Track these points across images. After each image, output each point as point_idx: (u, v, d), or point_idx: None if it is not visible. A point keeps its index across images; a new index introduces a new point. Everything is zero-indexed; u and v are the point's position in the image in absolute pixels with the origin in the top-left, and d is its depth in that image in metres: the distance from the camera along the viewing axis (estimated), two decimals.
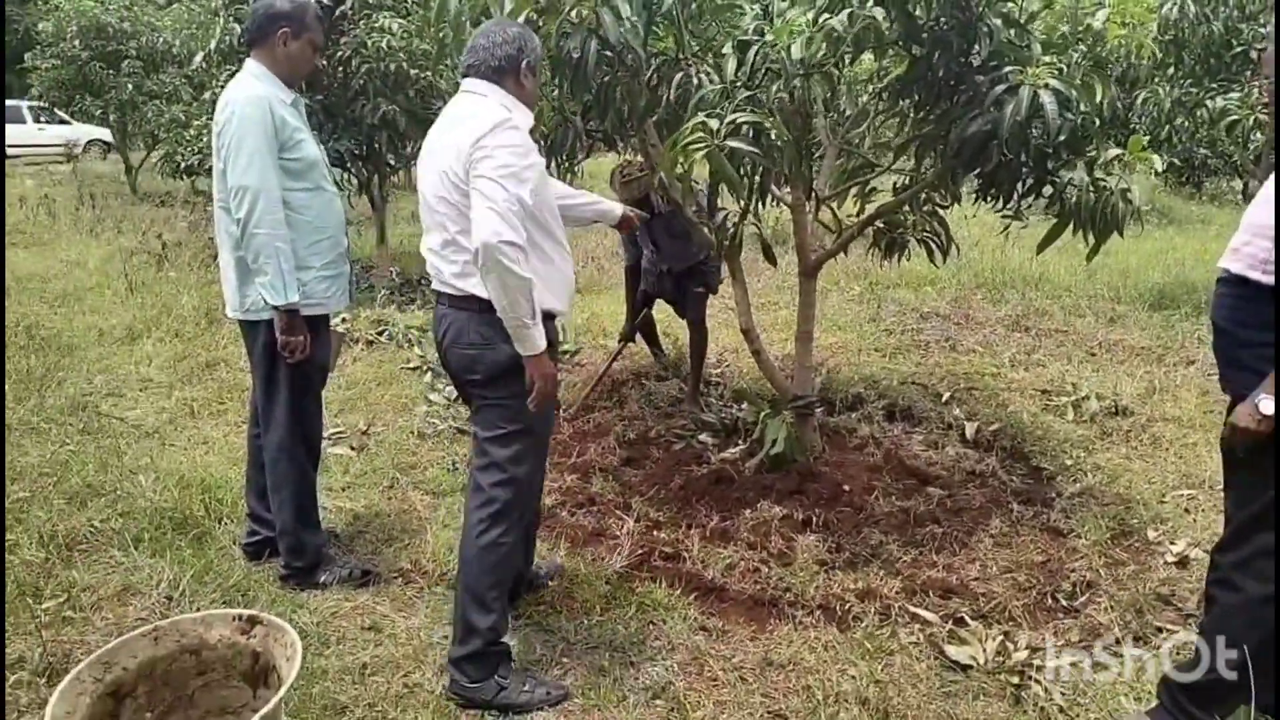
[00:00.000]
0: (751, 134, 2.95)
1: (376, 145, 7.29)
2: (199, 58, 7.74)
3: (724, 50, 3.20)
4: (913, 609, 3.08)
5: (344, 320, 6.49)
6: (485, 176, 2.35)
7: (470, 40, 2.63)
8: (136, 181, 14.89)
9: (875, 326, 6.87)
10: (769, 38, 2.98)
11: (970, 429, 4.72)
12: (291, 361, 3.02)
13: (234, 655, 2.28)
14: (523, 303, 2.37)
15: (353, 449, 4.45)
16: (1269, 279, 2.17)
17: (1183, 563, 3.42)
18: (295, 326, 2.98)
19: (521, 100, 2.60)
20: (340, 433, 4.62)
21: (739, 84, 3.12)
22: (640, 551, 3.47)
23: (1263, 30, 6.61)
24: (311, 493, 3.28)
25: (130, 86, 13.58)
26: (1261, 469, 2.27)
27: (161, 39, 13.31)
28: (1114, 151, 3.39)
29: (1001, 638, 2.86)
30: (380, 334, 6.32)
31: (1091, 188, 3.36)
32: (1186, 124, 7.36)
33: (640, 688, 2.66)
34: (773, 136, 2.96)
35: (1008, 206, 3.69)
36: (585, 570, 3.31)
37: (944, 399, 5.17)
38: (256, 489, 3.36)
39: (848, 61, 3.33)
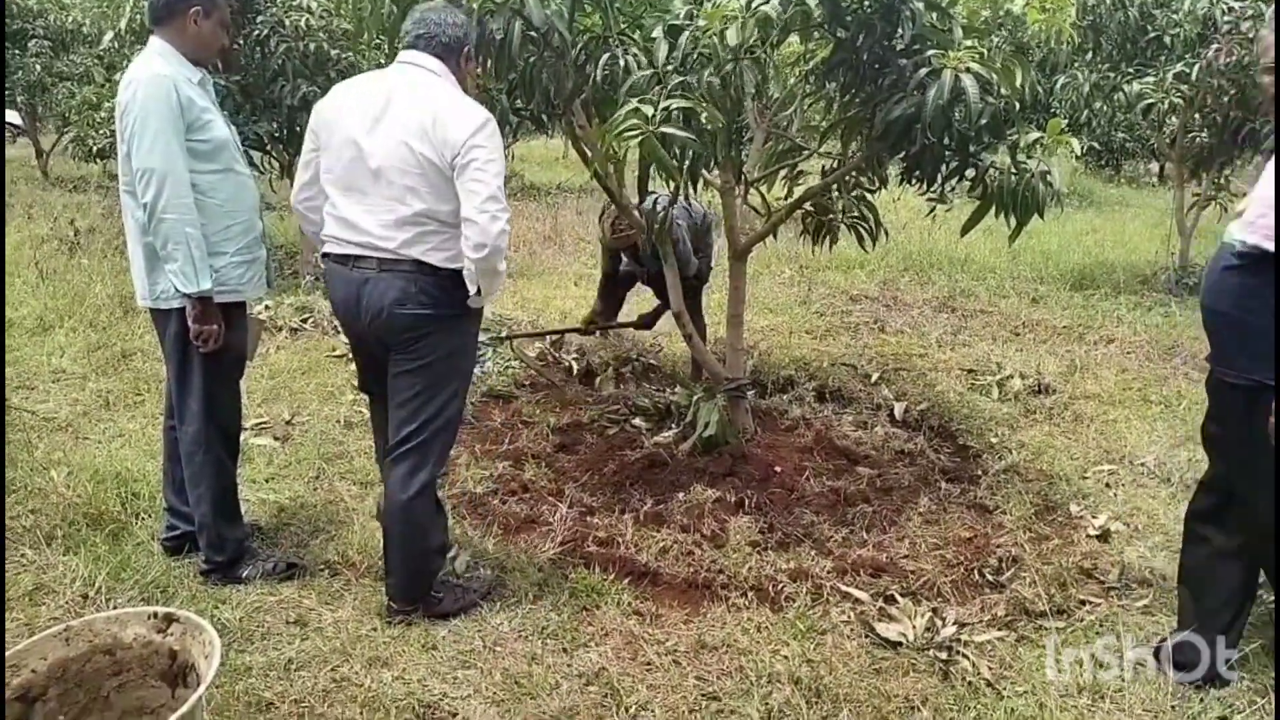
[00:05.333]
0: (683, 119, 2.93)
1: (297, 128, 7.09)
2: (109, 37, 7.45)
3: (653, 34, 3.16)
4: (844, 588, 3.12)
5: (266, 308, 6.32)
6: (481, 181, 2.54)
7: (418, 13, 2.73)
8: (48, 166, 14.30)
9: (806, 309, 6.93)
10: (701, 22, 2.96)
11: (899, 409, 4.79)
12: (205, 351, 2.92)
13: (150, 654, 2.20)
14: (499, 288, 2.82)
15: (276, 439, 4.34)
16: None
17: (1104, 536, 3.51)
18: (208, 315, 2.87)
19: (460, 83, 2.73)
20: (264, 423, 4.49)
21: (670, 69, 3.09)
22: (573, 538, 3.44)
23: (1175, 16, 6.80)
24: (231, 485, 3.18)
25: (39, 67, 12.99)
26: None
27: (71, 18, 12.75)
28: (1034, 135, 3.45)
29: (930, 614, 2.91)
30: (305, 321, 6.16)
31: (1013, 171, 3.42)
32: (1104, 108, 7.55)
33: (574, 674, 2.65)
34: (704, 121, 2.94)
35: (931, 189, 3.73)
36: (518, 558, 3.27)
37: (873, 380, 5.24)
38: (174, 482, 3.25)
39: (775, 45, 3.32)
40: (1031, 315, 6.87)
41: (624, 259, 5.10)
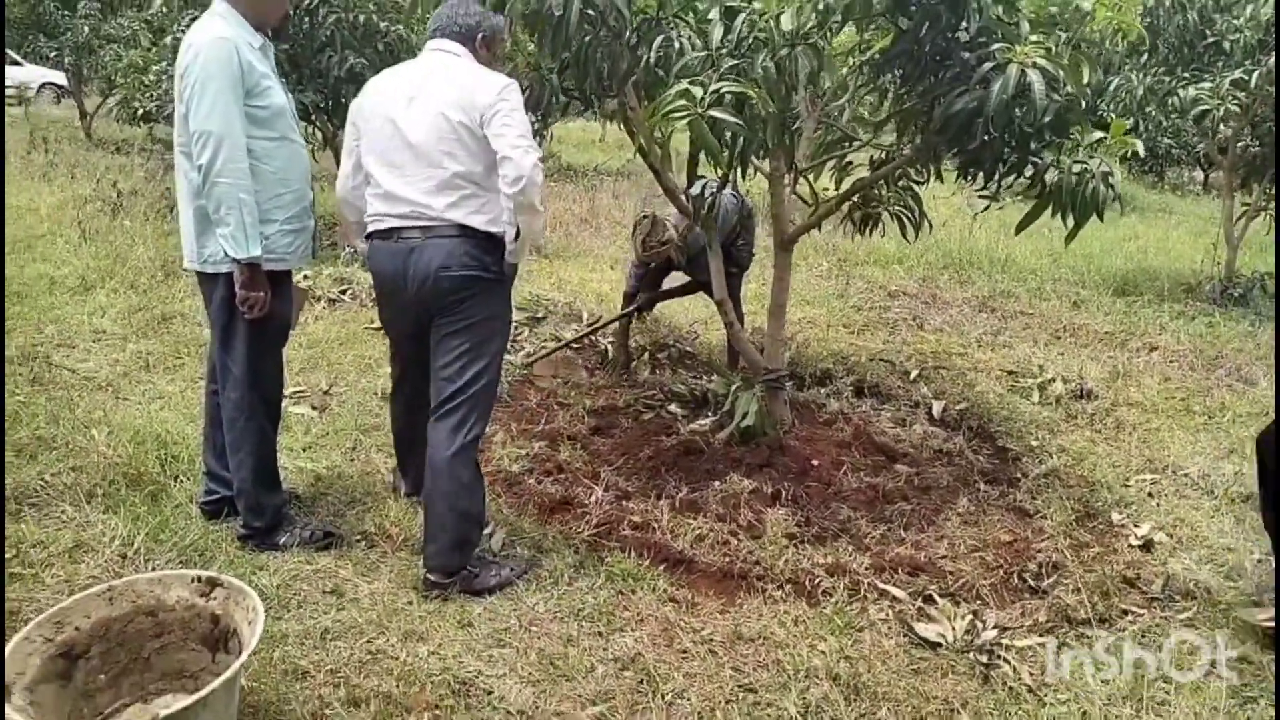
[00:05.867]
0: (735, 104, 2.88)
1: (343, 99, 7.09)
2: (159, 1, 7.48)
3: (709, 15, 3.11)
4: (882, 585, 3.08)
5: (306, 277, 6.34)
6: (510, 126, 2.73)
7: (437, 10, 3.02)
8: (91, 127, 14.42)
9: (843, 303, 6.87)
10: (757, 5, 2.91)
11: (937, 407, 4.74)
12: (250, 317, 2.92)
13: (193, 618, 2.21)
14: (541, 227, 2.92)
15: (314, 409, 4.35)
16: None
17: (1147, 546, 3.45)
18: (256, 281, 2.87)
19: (485, 64, 2.96)
20: (301, 392, 4.51)
21: (724, 51, 3.05)
22: (609, 521, 3.43)
23: (1235, 22, 6.65)
24: (271, 452, 3.19)
25: (86, 29, 13.11)
26: None
27: None
28: (1096, 135, 3.38)
29: (970, 616, 2.87)
30: (343, 293, 6.18)
31: (1073, 170, 3.35)
32: (1156, 113, 7.41)
33: (609, 658, 2.63)
34: (756, 107, 2.89)
35: (987, 186, 3.67)
36: (553, 538, 3.26)
37: (912, 377, 5.18)
38: (214, 447, 3.26)
39: (833, 33, 3.27)
40: (1073, 319, 6.77)
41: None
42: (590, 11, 3.12)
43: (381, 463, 3.79)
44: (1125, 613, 3.03)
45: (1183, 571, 3.23)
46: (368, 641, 2.67)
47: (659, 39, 3.40)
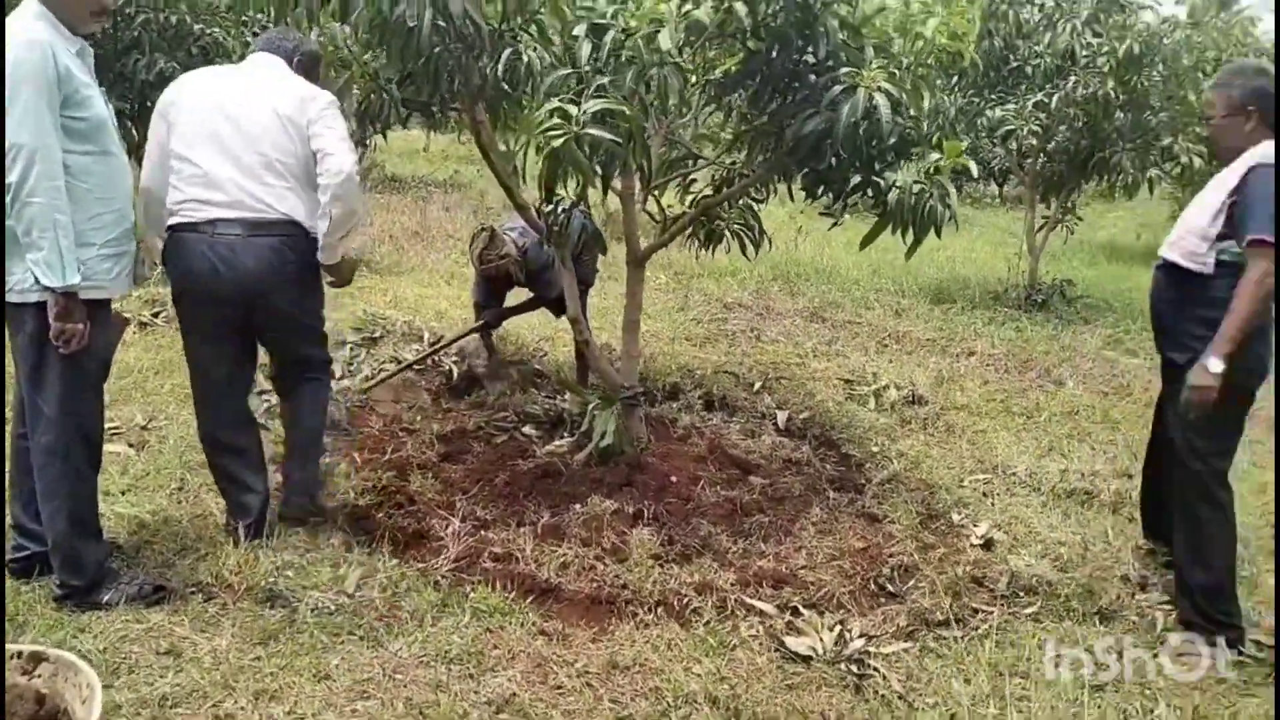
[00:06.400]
0: (605, 121, 2.84)
1: (148, 105, 6.56)
2: None
3: (574, 32, 3.05)
4: (749, 600, 3.10)
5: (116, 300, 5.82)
6: (334, 129, 2.96)
7: (262, 36, 3.29)
8: None
9: (684, 316, 6.96)
10: (632, 23, 2.87)
11: (782, 418, 4.85)
12: (66, 352, 2.62)
13: (13, 700, 1.94)
14: (354, 228, 3.13)
15: (131, 446, 3.98)
16: (1197, 266, 2.96)
17: (988, 545, 3.63)
18: (73, 312, 2.58)
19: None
20: (115, 428, 4.10)
21: (588, 70, 2.99)
22: (469, 554, 3.29)
23: (1036, 48, 7.19)
24: (91, 499, 2.87)
25: None
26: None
27: None
28: (934, 156, 3.54)
29: (838, 627, 2.92)
30: (156, 315, 5.71)
31: (913, 190, 3.49)
32: (964, 132, 7.90)
33: (482, 701, 2.51)
34: (629, 124, 2.86)
35: (834, 205, 3.78)
36: (411, 576, 3.09)
37: (755, 388, 5.28)
38: (22, 497, 2.91)
39: (695, 52, 3.28)
40: (897, 327, 7.11)
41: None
42: (442, 23, 3.00)
43: (213, 503, 3.49)
44: (976, 611, 3.16)
45: (1024, 568, 3.41)
46: (214, 706, 2.43)
47: (506, 52, 3.31)
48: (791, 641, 2.84)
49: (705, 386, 5.13)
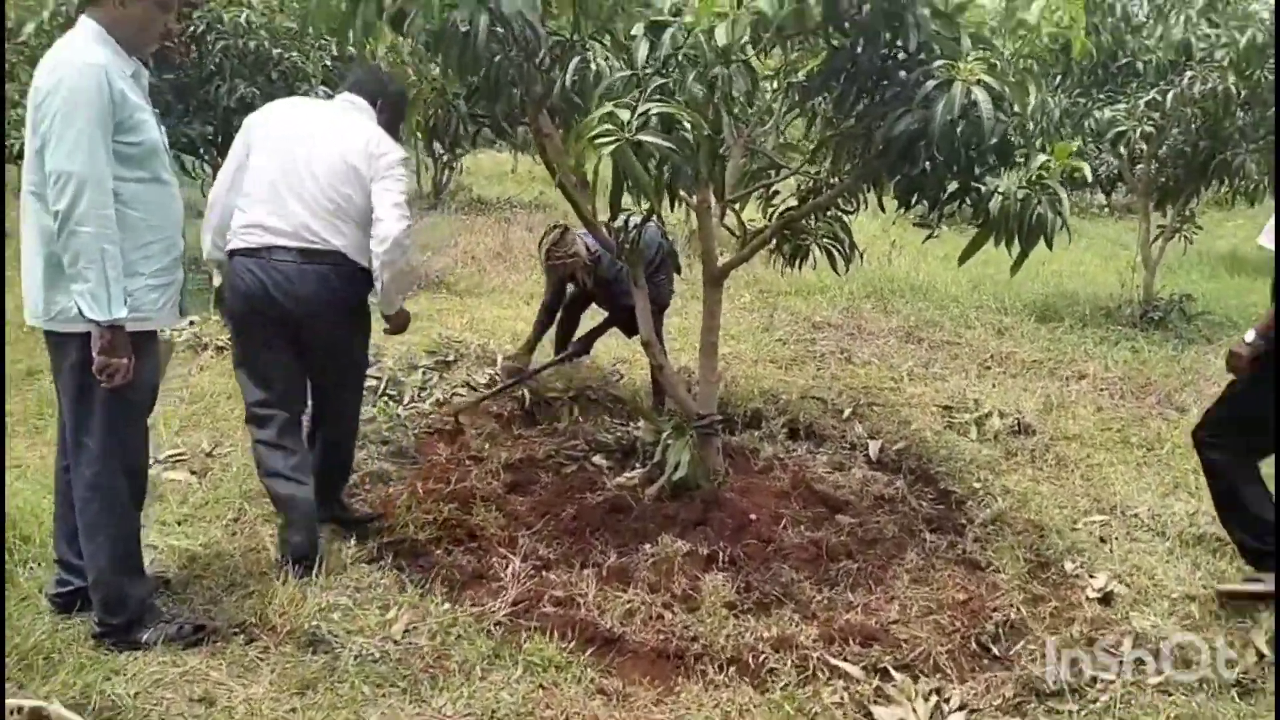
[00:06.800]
0: (663, 127, 2.58)
1: (232, 131, 6.61)
2: (30, 27, 6.88)
3: (632, 32, 2.81)
4: (833, 660, 2.77)
5: (191, 323, 5.83)
6: (390, 192, 2.99)
7: (354, 71, 3.47)
8: None
9: (769, 336, 6.63)
10: (687, 19, 2.61)
11: (874, 448, 4.50)
12: (109, 386, 2.48)
13: None
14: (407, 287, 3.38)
15: (193, 473, 3.87)
16: None
17: (1106, 599, 3.23)
18: (118, 346, 2.44)
19: (383, 129, 3.18)
20: (180, 455, 4.02)
21: (649, 71, 2.74)
22: (527, 597, 3.05)
23: (1147, 43, 6.66)
24: (134, 535, 2.74)
25: None
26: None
27: None
28: (1041, 158, 3.18)
29: (934, 696, 2.57)
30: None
31: (1019, 196, 3.14)
32: (1071, 135, 7.39)
33: None
34: (688, 130, 2.59)
35: (930, 215, 3.45)
36: (463, 621, 2.87)
37: (845, 415, 4.93)
38: (66, 531, 2.79)
39: (767, 51, 3.01)
40: (1000, 348, 6.64)
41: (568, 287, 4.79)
42: (499, 29, 2.80)
43: (267, 536, 3.34)
44: (1094, 680, 2.77)
45: (1149, 628, 2.99)
46: None
47: (575, 60, 3.10)
48: (881, 713, 2.51)
49: (790, 413, 4.80)
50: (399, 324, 3.37)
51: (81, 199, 2.34)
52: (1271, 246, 3.20)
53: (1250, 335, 3.10)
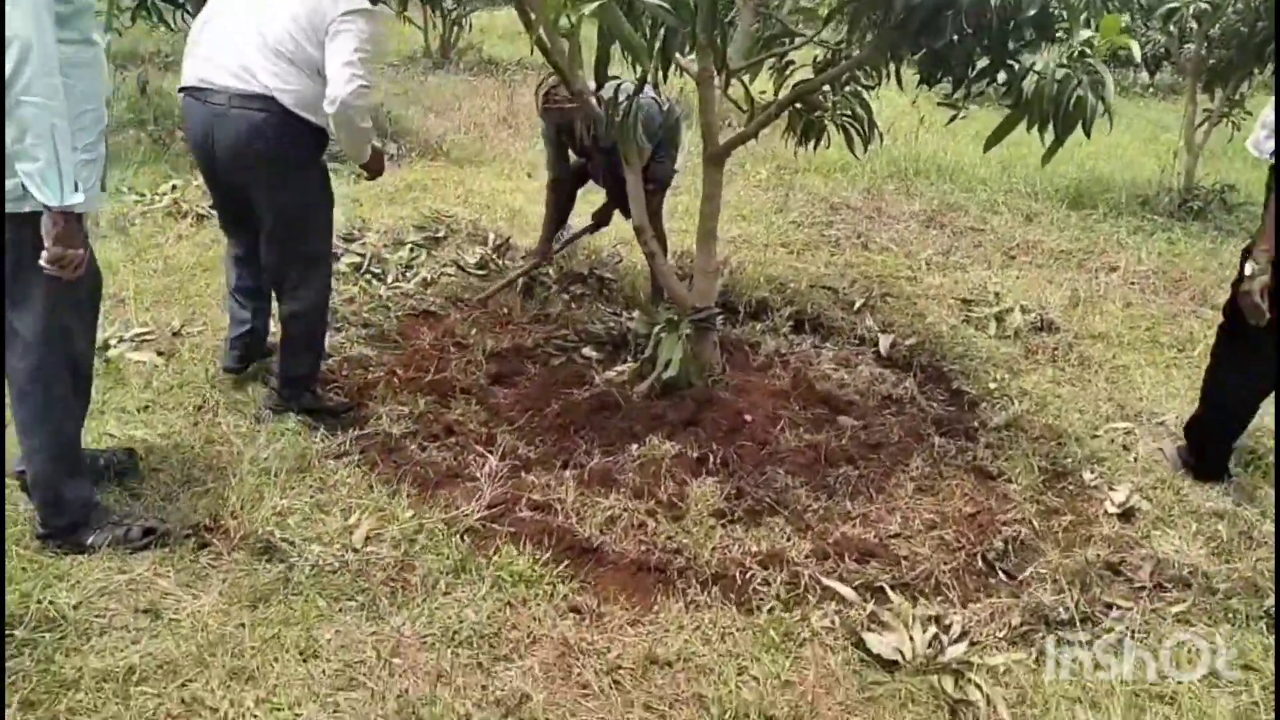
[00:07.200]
0: None
1: None
2: None
3: None
4: (826, 580, 2.58)
5: (174, 187, 5.54)
6: (341, 48, 2.76)
7: None
8: None
9: (783, 218, 6.26)
10: None
11: (885, 343, 4.23)
12: (68, 279, 2.22)
13: None
14: (364, 145, 3.03)
15: (159, 354, 3.65)
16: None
17: (1126, 515, 3.01)
18: (73, 234, 2.18)
19: None
20: (147, 334, 3.78)
21: None
22: (503, 500, 2.86)
23: None
24: (76, 431, 2.54)
25: None
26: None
27: None
28: (1085, 34, 2.79)
29: (933, 628, 2.37)
30: (214, 207, 5.35)
31: (1056, 76, 2.77)
32: (1119, 8, 6.78)
33: (489, 701, 2.09)
34: None
35: (957, 93, 3.08)
36: (431, 527, 2.68)
37: (856, 307, 4.63)
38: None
39: None
40: (1027, 236, 6.26)
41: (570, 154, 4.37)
42: None
43: (230, 427, 3.14)
44: (1109, 607, 2.57)
45: (1173, 554, 2.78)
46: (182, 686, 2.09)
47: None
48: (874, 640, 2.32)
49: (797, 304, 4.52)
50: (373, 169, 3.27)
51: (27, 65, 2.04)
52: (1260, 155, 3.07)
53: (1249, 268, 2.81)
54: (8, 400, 2.45)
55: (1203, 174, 7.48)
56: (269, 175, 2.90)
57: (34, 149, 2.08)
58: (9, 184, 2.18)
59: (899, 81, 3.33)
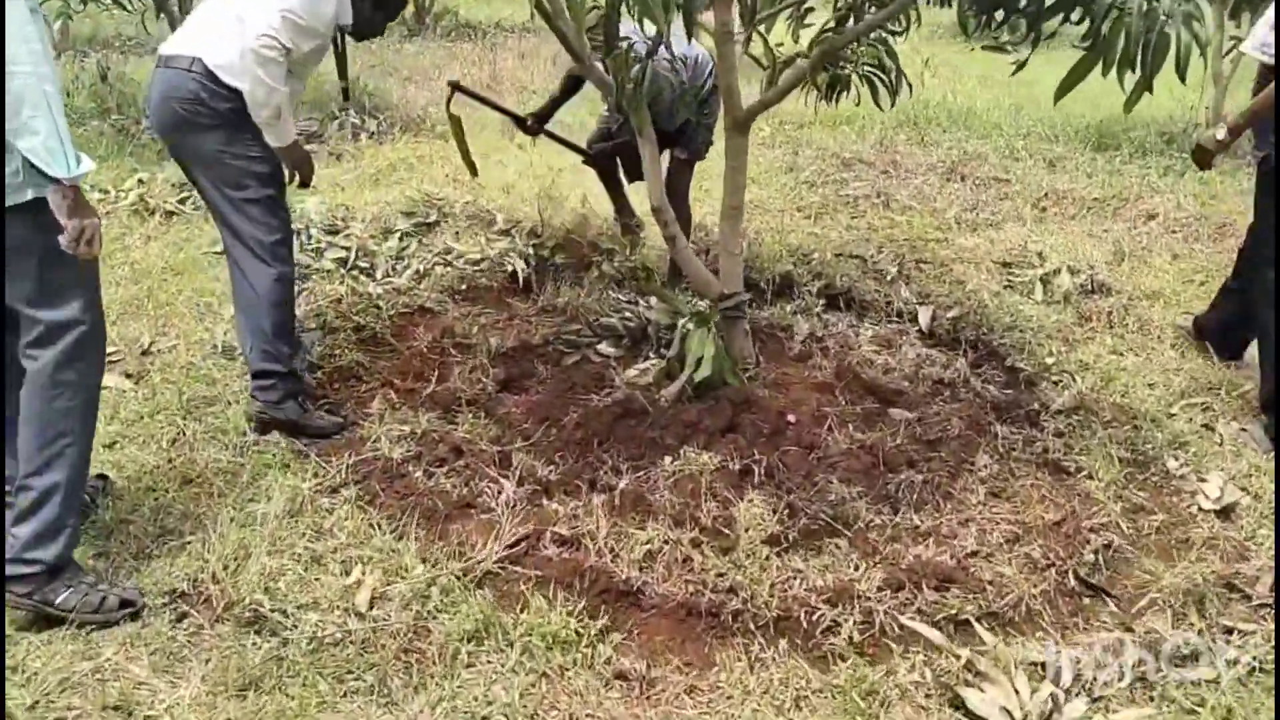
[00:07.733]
0: None
1: None
2: None
3: None
4: (904, 620, 2.23)
5: (140, 182, 5.11)
6: (267, 10, 2.54)
7: None
8: None
9: (794, 179, 5.85)
10: None
11: (925, 317, 3.86)
12: (88, 254, 2.07)
13: None
14: (271, 111, 2.67)
15: (128, 377, 3.28)
16: None
17: (1224, 512, 2.66)
18: (83, 204, 2.04)
19: None
20: (113, 354, 3.39)
21: None
22: (524, 534, 2.50)
23: None
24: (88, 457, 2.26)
25: None
26: None
27: None
28: None
29: (1041, 676, 2.02)
30: (182, 202, 4.94)
31: (1142, 10, 2.39)
32: None
33: None
34: None
35: (1019, 35, 2.68)
36: (445, 575, 2.32)
37: (889, 278, 4.25)
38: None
39: None
40: (1054, 184, 5.86)
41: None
42: None
43: (210, 461, 2.77)
44: (1230, 631, 2.23)
45: None
46: None
47: None
48: (974, 699, 1.98)
49: (825, 276, 4.13)
50: (293, 162, 2.88)
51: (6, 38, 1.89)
52: (1258, 55, 3.19)
53: (1221, 132, 3.19)
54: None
55: (1229, 107, 7.06)
56: (194, 140, 2.73)
57: (33, 121, 1.95)
58: (8, 170, 1.99)
59: (965, 31, 2.91)
